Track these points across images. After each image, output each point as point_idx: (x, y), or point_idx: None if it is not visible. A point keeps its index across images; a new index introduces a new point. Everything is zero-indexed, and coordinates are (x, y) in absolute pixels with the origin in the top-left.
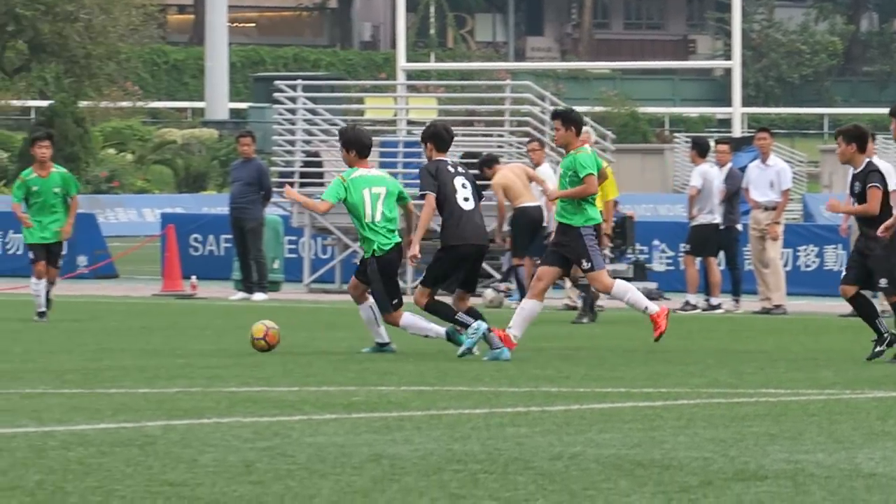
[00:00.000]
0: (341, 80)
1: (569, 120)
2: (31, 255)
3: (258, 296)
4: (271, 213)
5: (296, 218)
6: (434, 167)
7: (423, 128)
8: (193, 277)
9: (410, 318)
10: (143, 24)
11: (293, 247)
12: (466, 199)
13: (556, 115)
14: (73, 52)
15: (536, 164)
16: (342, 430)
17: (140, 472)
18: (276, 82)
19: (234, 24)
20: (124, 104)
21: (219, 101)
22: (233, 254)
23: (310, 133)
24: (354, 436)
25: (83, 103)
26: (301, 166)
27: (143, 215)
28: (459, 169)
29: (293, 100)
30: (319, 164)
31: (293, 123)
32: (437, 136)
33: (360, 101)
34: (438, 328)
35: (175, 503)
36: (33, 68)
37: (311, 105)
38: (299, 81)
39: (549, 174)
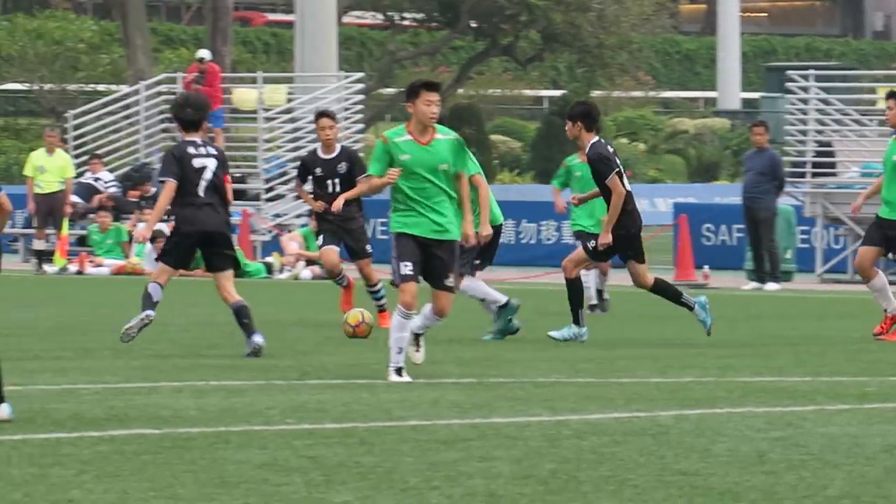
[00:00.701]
0: (854, 70)
1: None
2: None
3: (771, 285)
4: (784, 203)
5: (808, 208)
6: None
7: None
8: (706, 267)
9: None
10: (655, 13)
11: (805, 237)
12: None
13: (890, 95)
14: (585, 42)
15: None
16: (855, 420)
17: (653, 462)
18: (789, 72)
19: (746, 14)
20: (636, 94)
21: (731, 90)
22: (745, 244)
23: (822, 123)
24: (867, 426)
25: (596, 93)
26: (813, 156)
27: (655, 205)
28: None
29: (805, 90)
30: (832, 154)
31: (805, 113)
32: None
33: (873, 90)
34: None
35: (688, 493)
36: (546, 58)
37: (823, 95)
38: (811, 71)
39: None
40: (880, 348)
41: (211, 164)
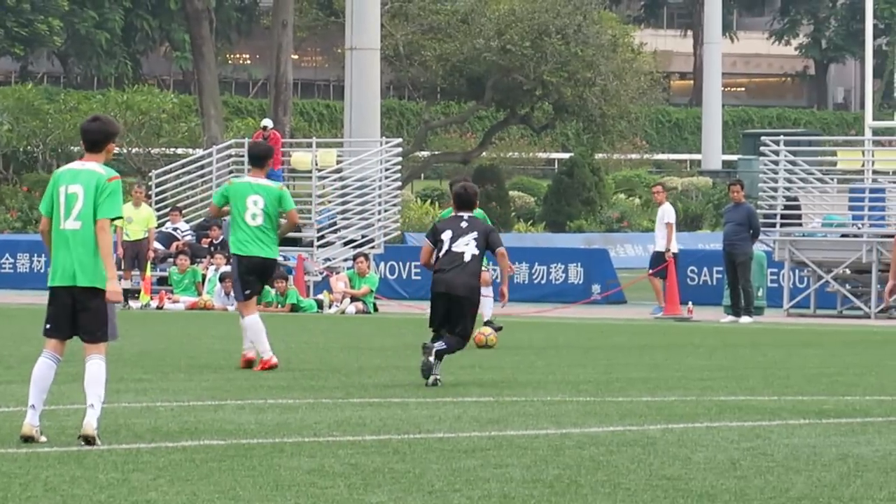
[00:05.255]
0: (818, 136)
1: None
2: None
3: (745, 319)
4: (758, 248)
5: (777, 253)
6: None
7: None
8: (690, 303)
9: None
10: (650, 88)
11: (775, 277)
12: None
13: None
14: (590, 112)
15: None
16: (814, 433)
17: (642, 468)
18: (762, 138)
19: (727, 89)
20: (633, 156)
21: (713, 153)
22: (724, 283)
23: (790, 181)
24: (825, 438)
25: (599, 155)
26: (782, 209)
27: (647, 251)
28: None
29: (776, 153)
30: (798, 207)
31: (776, 173)
32: None
33: (833, 153)
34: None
35: (671, 495)
36: (557, 126)
37: (791, 157)
38: (782, 137)
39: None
40: (837, 372)
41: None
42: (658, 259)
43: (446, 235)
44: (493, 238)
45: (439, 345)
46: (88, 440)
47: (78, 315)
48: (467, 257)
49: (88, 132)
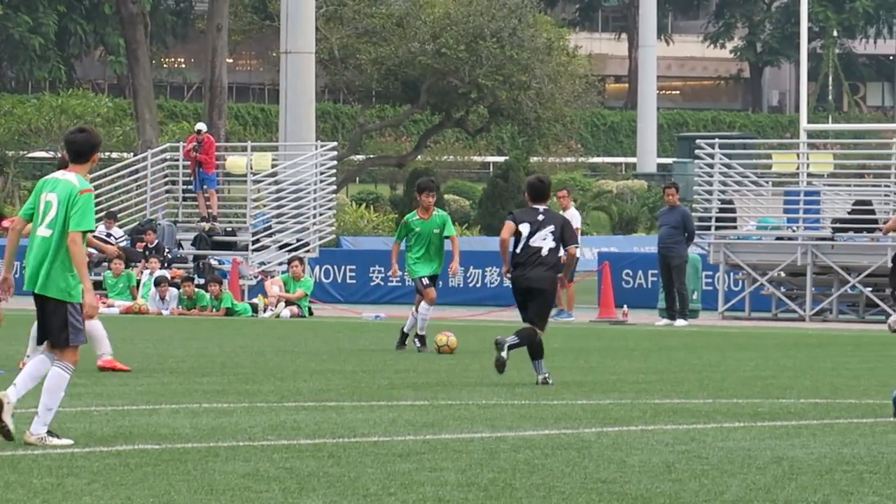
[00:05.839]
0: (752, 139)
1: None
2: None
3: (680, 322)
4: (692, 252)
5: (712, 256)
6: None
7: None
8: (625, 306)
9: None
10: (585, 91)
11: (709, 280)
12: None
13: None
14: (525, 116)
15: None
16: (749, 436)
17: (577, 472)
18: (697, 141)
19: (662, 92)
20: (568, 159)
21: (648, 156)
22: (659, 286)
23: (725, 184)
24: (759, 441)
25: (534, 159)
26: (717, 212)
27: (583, 254)
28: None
29: (711, 156)
30: (733, 211)
31: (711, 176)
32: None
33: (768, 156)
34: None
35: (606, 498)
36: (492, 129)
37: (726, 160)
38: (717, 140)
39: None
40: (772, 375)
41: None
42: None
43: (524, 228)
44: (567, 234)
45: (511, 339)
46: (28, 443)
47: (44, 320)
48: (545, 251)
49: (74, 143)
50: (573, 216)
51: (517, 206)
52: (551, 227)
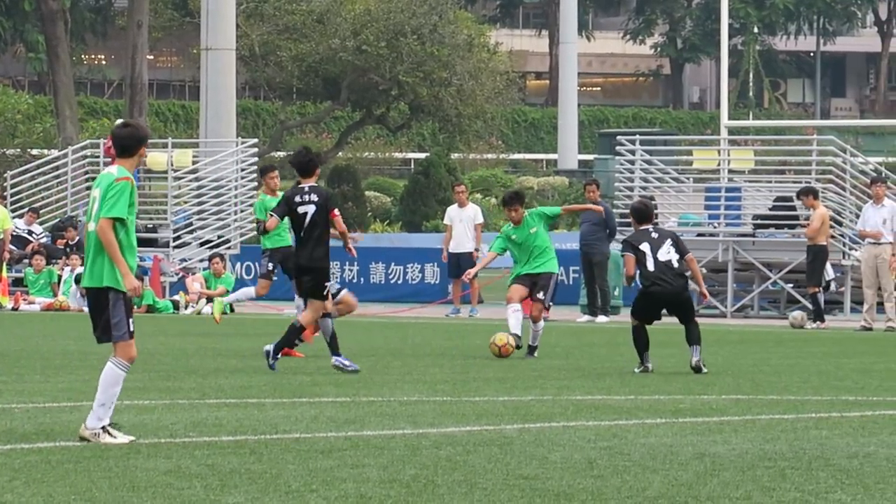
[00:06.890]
0: (673, 136)
1: None
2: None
3: (601, 318)
4: (614, 248)
5: None
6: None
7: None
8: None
9: None
10: (505, 88)
11: None
12: None
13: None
14: (446, 112)
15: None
16: (671, 432)
17: (499, 468)
18: (619, 137)
19: (583, 88)
20: (489, 156)
21: (569, 153)
22: (580, 283)
23: (646, 180)
24: (681, 437)
25: (455, 155)
26: None
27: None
28: None
29: (632, 152)
30: (654, 207)
31: (632, 172)
32: None
33: (689, 153)
34: None
35: (528, 494)
36: (413, 126)
37: (647, 157)
38: (638, 137)
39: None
40: (692, 372)
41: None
42: (468, 261)
43: (645, 247)
44: (681, 245)
45: (694, 350)
46: (82, 438)
47: (93, 314)
48: (675, 263)
49: (119, 137)
50: (475, 212)
51: (438, 203)
52: (669, 241)
